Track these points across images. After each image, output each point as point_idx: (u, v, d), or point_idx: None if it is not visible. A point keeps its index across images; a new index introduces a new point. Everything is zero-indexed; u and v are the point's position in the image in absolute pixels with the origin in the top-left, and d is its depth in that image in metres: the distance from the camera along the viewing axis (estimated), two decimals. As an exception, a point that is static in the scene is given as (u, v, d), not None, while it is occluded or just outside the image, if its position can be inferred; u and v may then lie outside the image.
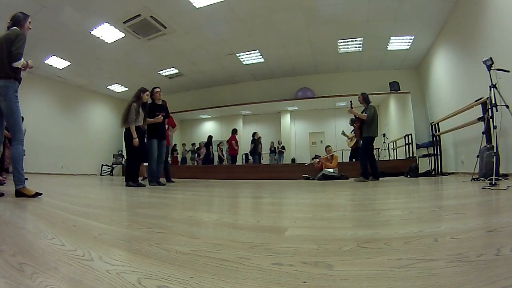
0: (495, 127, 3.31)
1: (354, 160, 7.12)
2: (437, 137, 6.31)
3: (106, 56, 8.02)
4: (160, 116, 4.54)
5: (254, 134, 9.76)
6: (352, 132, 7.10)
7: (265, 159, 10.43)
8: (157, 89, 4.77)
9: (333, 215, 1.61)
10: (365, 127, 4.85)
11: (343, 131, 7.74)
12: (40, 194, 2.37)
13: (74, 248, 0.85)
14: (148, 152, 4.51)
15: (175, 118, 6.52)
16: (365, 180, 4.64)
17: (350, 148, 7.62)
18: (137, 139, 4.12)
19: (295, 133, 11.32)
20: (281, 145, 10.34)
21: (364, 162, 4.79)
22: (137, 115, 4.19)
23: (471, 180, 3.57)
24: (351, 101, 5.09)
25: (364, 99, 4.98)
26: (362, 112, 4.91)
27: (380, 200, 2.32)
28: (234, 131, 9.64)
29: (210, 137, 9.94)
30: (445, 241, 0.87)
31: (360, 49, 7.93)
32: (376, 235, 1.01)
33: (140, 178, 4.85)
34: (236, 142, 9.50)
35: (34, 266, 0.69)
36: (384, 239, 0.93)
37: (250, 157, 10.00)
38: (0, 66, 2.27)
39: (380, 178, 4.93)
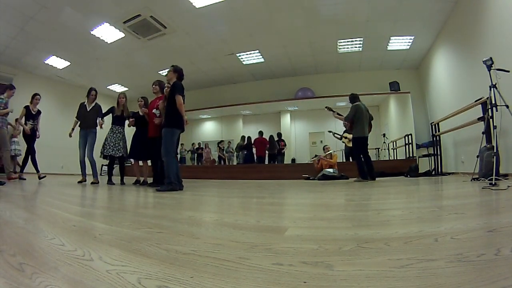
0: (495, 127, 3.31)
1: (350, 159, 7.07)
2: (437, 137, 6.31)
3: (106, 56, 8.01)
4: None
5: (280, 134, 9.91)
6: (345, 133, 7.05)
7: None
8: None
9: (333, 215, 1.61)
10: (353, 128, 4.89)
11: (330, 131, 7.53)
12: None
13: (74, 248, 0.85)
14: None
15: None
16: (363, 180, 4.64)
17: (345, 147, 7.55)
18: None
19: (295, 133, 11.31)
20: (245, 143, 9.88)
21: (359, 163, 4.78)
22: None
23: (471, 180, 3.57)
24: (326, 107, 5.45)
25: (350, 100, 5.04)
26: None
27: (380, 200, 2.32)
28: (261, 133, 9.73)
29: (249, 138, 9.90)
30: (445, 241, 0.87)
31: (360, 49, 7.92)
32: (376, 235, 1.01)
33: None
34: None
35: (34, 266, 0.69)
36: (384, 239, 0.93)
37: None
38: None
39: (380, 178, 4.93)
